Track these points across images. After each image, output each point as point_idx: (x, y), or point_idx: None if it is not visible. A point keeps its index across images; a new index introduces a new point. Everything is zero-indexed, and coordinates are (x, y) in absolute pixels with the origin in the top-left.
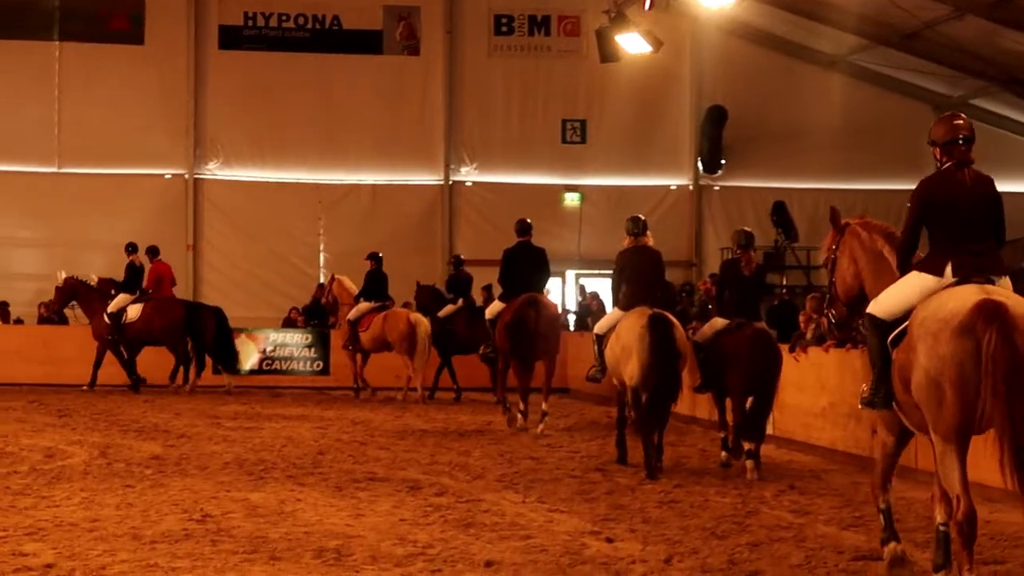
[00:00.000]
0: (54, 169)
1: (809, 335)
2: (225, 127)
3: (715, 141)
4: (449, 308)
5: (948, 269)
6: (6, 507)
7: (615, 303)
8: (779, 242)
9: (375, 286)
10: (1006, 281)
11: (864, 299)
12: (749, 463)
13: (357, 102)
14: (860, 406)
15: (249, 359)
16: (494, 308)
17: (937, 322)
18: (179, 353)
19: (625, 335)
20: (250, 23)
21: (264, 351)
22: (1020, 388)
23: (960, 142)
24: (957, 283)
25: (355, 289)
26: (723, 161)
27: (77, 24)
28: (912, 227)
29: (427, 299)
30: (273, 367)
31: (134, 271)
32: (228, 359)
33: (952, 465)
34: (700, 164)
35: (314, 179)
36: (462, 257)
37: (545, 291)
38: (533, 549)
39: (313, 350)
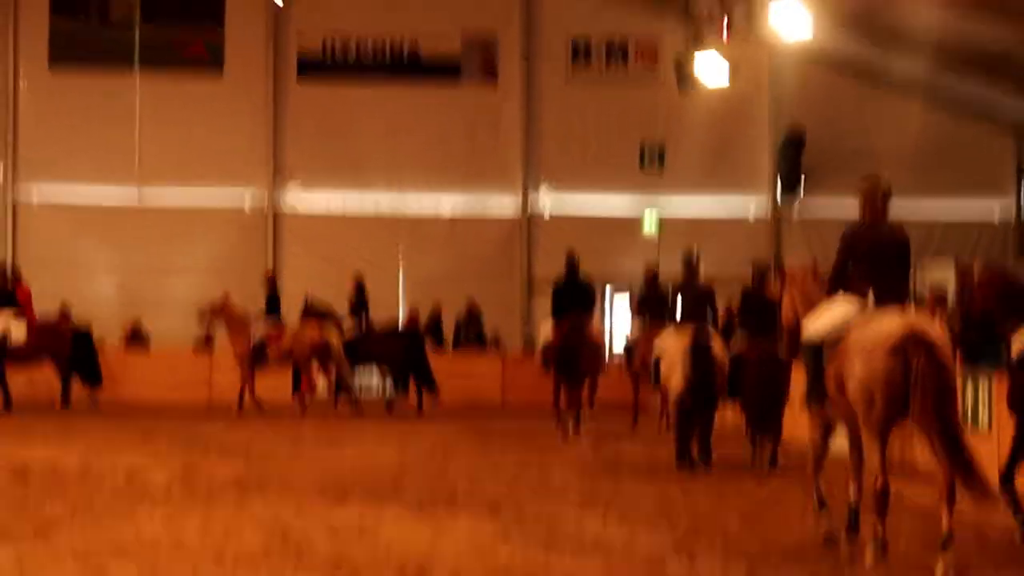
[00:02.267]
0: (135, 198)
1: None
2: (304, 156)
3: (794, 166)
4: (350, 324)
5: (870, 297)
6: (91, 524)
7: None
8: None
9: (275, 304)
10: (911, 307)
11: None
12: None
13: (435, 131)
14: (802, 405)
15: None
16: (545, 330)
17: (871, 342)
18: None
19: (670, 353)
20: (328, 52)
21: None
22: (944, 395)
23: (880, 196)
24: (873, 310)
25: (242, 310)
26: (802, 187)
27: (156, 54)
28: (840, 263)
29: (317, 317)
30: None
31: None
32: (92, 377)
33: (875, 450)
34: (779, 190)
35: (393, 208)
36: None
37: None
38: (614, 568)
39: None
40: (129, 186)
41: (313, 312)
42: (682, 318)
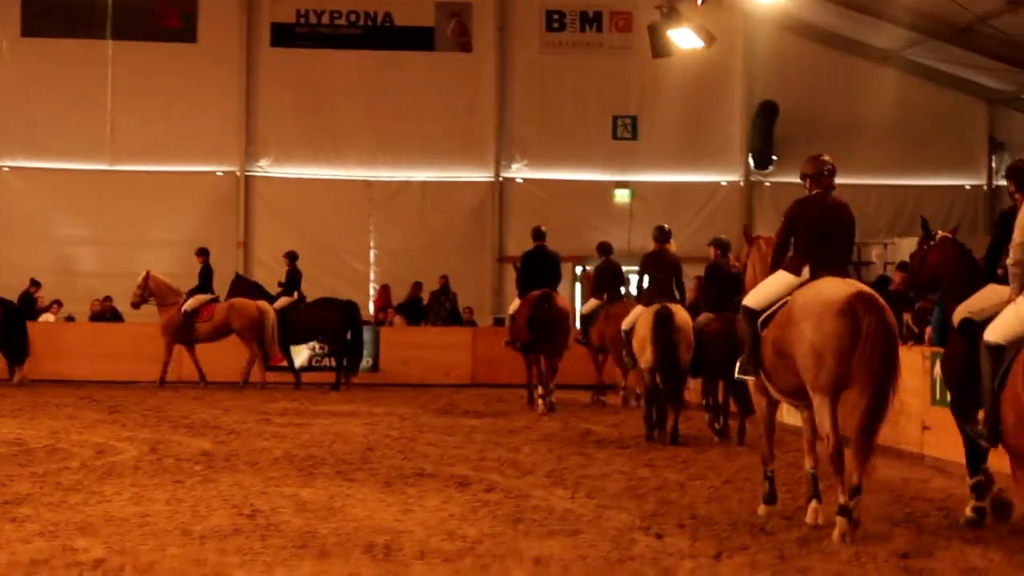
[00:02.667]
0: (106, 167)
1: None
2: (276, 124)
3: (766, 137)
4: (284, 300)
5: (805, 270)
6: (57, 503)
7: (638, 301)
8: None
9: (208, 279)
10: (850, 278)
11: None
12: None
13: (408, 99)
14: (736, 375)
15: (300, 356)
16: (513, 305)
17: (819, 305)
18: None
19: (641, 328)
20: (302, 20)
21: (314, 348)
22: (889, 356)
23: (825, 174)
24: (811, 279)
25: (170, 283)
26: (774, 157)
27: (130, 22)
28: (783, 238)
29: (246, 293)
30: (323, 364)
31: None
32: (18, 352)
33: (826, 412)
34: (751, 160)
35: (365, 176)
36: None
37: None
38: (582, 545)
39: (365, 347)
40: (102, 155)
41: (243, 288)
42: (650, 293)
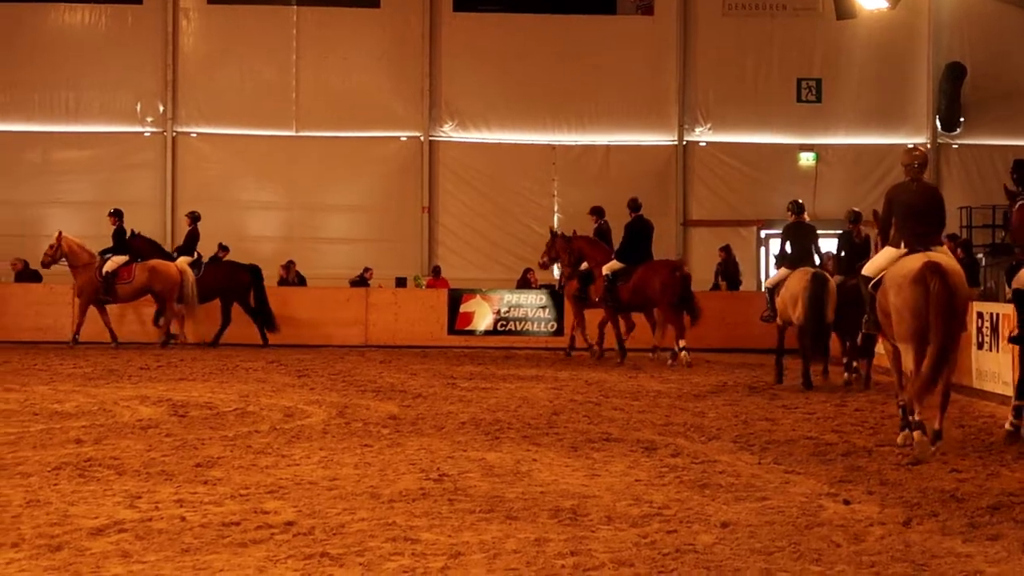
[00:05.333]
0: (291, 133)
1: None
2: (460, 89)
3: (953, 99)
4: (184, 260)
5: (903, 244)
6: (248, 465)
7: (779, 265)
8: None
9: (122, 240)
10: (944, 248)
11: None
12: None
13: (591, 62)
14: (863, 331)
15: (484, 320)
16: (610, 266)
17: (901, 276)
18: None
19: (793, 287)
20: None
21: (498, 312)
22: (950, 313)
23: (916, 165)
24: (908, 253)
25: (85, 245)
26: (961, 119)
27: None
28: (884, 218)
29: (146, 251)
30: (507, 328)
31: None
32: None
33: (910, 358)
34: (938, 122)
35: (548, 140)
36: None
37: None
38: (769, 510)
39: (547, 311)
40: (287, 121)
41: (141, 247)
42: (794, 258)
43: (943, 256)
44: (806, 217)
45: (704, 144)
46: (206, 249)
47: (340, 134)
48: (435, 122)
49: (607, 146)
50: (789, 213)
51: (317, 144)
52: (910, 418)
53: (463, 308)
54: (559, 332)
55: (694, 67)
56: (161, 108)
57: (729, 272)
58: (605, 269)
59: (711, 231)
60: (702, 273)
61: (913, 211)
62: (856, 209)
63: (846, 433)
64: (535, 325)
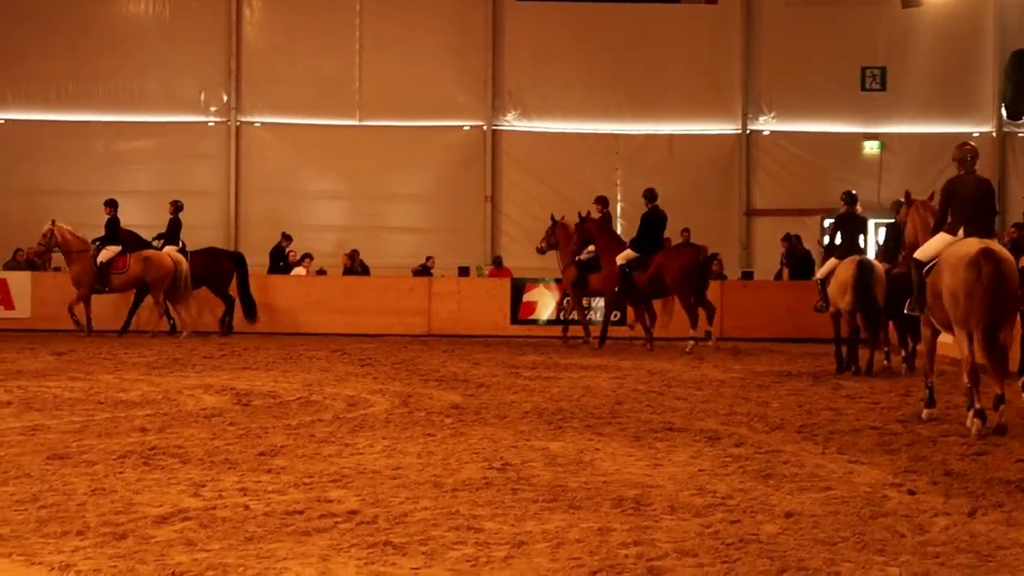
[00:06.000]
0: (354, 122)
1: None
2: (523, 78)
3: (1020, 87)
4: (170, 249)
5: (960, 232)
6: (311, 454)
7: (828, 255)
8: None
9: (116, 230)
10: (994, 239)
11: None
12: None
13: (654, 51)
14: (905, 311)
15: (546, 309)
16: (626, 256)
17: (957, 259)
18: None
19: (841, 276)
20: None
21: (562, 302)
22: (1001, 297)
23: (968, 159)
24: (961, 239)
25: (78, 234)
26: None
27: None
28: (943, 208)
29: (125, 241)
30: (571, 317)
31: None
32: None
33: (963, 339)
34: (1004, 110)
35: (611, 129)
36: None
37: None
38: (833, 500)
39: None
40: (350, 110)
41: (130, 240)
42: (843, 248)
43: (997, 244)
44: (858, 208)
45: (768, 133)
46: (274, 236)
47: (403, 123)
48: (498, 111)
49: (670, 135)
50: (842, 203)
51: (380, 133)
52: (976, 406)
53: (526, 297)
54: (621, 321)
55: (758, 55)
56: (225, 98)
57: (793, 261)
58: (620, 259)
59: (774, 220)
60: (766, 263)
61: (969, 202)
62: (902, 200)
63: (911, 423)
64: (598, 314)
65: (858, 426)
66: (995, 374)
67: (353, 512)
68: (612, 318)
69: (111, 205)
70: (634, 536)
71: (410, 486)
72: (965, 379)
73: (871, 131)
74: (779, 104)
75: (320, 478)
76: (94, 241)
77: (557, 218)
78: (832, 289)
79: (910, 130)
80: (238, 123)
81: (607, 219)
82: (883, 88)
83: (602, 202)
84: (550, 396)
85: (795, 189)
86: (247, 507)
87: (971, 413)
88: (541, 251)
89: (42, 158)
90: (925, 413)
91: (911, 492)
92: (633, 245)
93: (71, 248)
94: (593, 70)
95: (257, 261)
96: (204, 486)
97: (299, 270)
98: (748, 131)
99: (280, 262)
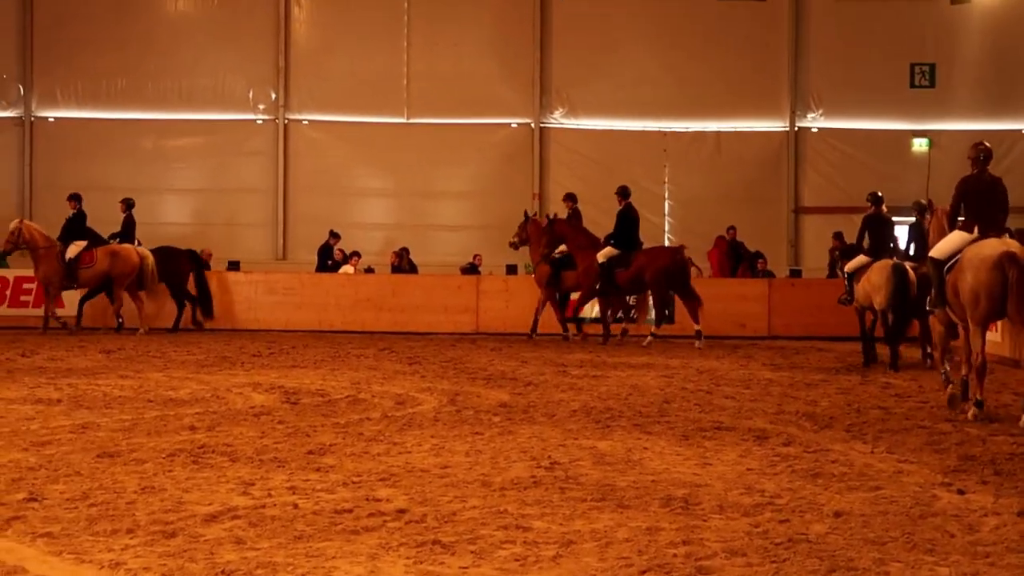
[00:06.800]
0: (402, 120)
1: None
2: (570, 75)
3: None
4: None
5: (976, 229)
6: (360, 453)
7: (856, 252)
8: None
9: (81, 224)
10: (1007, 237)
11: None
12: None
13: (701, 48)
14: (927, 308)
15: (594, 307)
16: (606, 253)
17: (980, 259)
18: None
19: (875, 278)
20: None
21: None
22: None
23: (982, 158)
24: (980, 237)
25: (45, 232)
26: None
27: None
28: (955, 206)
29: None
30: (618, 315)
31: None
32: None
33: (978, 337)
34: None
35: (659, 126)
36: None
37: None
38: (882, 500)
39: None
40: (398, 108)
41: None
42: (873, 247)
43: (1017, 245)
44: (884, 209)
45: (816, 130)
46: (321, 234)
47: (450, 121)
48: (545, 109)
49: (718, 132)
50: (868, 203)
51: (428, 131)
52: (973, 396)
53: (573, 295)
54: (670, 319)
55: (806, 52)
56: (273, 95)
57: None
58: (601, 256)
59: (823, 218)
60: (814, 260)
61: (983, 200)
62: (922, 201)
63: (960, 422)
64: (646, 312)
65: (907, 425)
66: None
67: (402, 511)
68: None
69: (75, 199)
70: (683, 535)
71: (458, 485)
72: (972, 373)
73: (920, 128)
74: (827, 101)
75: (369, 477)
76: (111, 238)
77: (530, 214)
78: (863, 287)
79: (959, 127)
80: (286, 121)
81: (576, 215)
82: (932, 85)
83: (571, 199)
84: (598, 395)
85: (844, 186)
86: (296, 506)
87: (971, 402)
88: (514, 246)
89: (91, 156)
90: (947, 393)
91: (961, 492)
92: (613, 242)
93: (38, 246)
94: (640, 67)
95: (305, 259)
96: (253, 485)
97: (347, 268)
98: (796, 128)
99: (328, 260)
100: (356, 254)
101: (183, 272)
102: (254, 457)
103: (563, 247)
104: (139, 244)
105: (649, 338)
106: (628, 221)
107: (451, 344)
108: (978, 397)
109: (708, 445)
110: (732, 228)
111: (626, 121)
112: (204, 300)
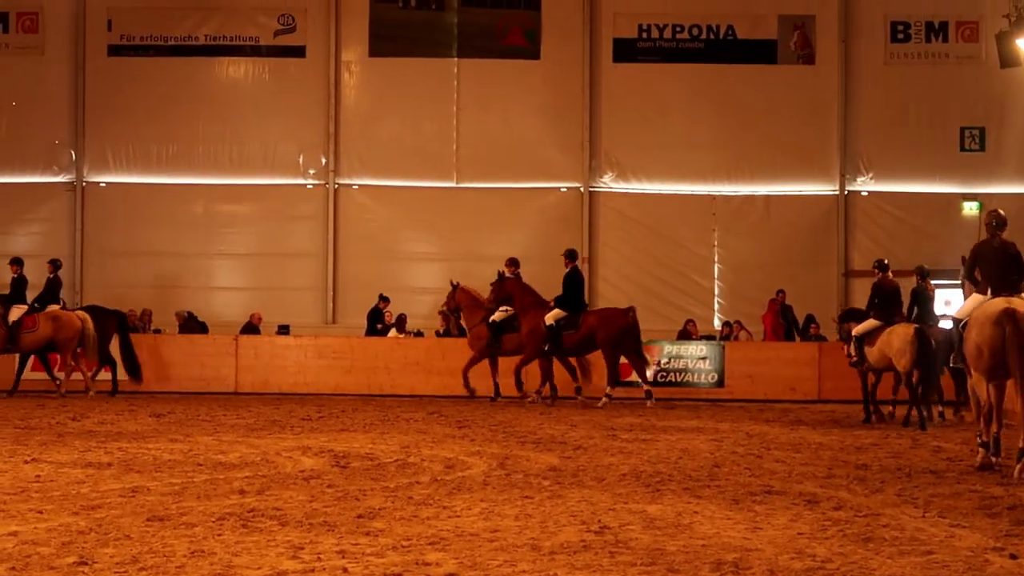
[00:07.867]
0: (452, 184)
1: None
2: (620, 139)
3: None
4: (52, 308)
5: (988, 292)
6: (409, 516)
7: (865, 316)
8: None
9: (22, 289)
10: (1017, 297)
11: None
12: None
13: (750, 112)
14: (950, 365)
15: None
16: (555, 315)
17: (984, 316)
18: None
19: (897, 342)
20: (644, 35)
21: (659, 363)
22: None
23: (994, 224)
24: (991, 298)
25: None
26: None
27: (475, 41)
28: (970, 269)
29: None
30: (668, 379)
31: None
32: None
33: (983, 387)
34: None
35: (708, 190)
36: None
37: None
38: (934, 564)
39: (708, 362)
40: (448, 172)
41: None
42: (887, 313)
43: (1020, 303)
44: (890, 275)
45: (866, 193)
46: (371, 299)
47: (500, 185)
48: (595, 172)
49: (767, 196)
50: (875, 270)
51: (477, 195)
52: (979, 438)
53: (623, 359)
54: (720, 383)
55: (855, 116)
56: (323, 160)
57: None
58: (549, 318)
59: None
60: None
61: (994, 264)
62: (924, 266)
63: (1011, 486)
64: (696, 376)
65: (958, 489)
66: (987, 420)
67: (451, 575)
68: (709, 380)
69: (17, 264)
70: None
71: (508, 549)
72: (980, 421)
73: (970, 191)
74: (877, 164)
75: (418, 540)
76: (35, 302)
77: (454, 283)
78: (879, 349)
79: (1010, 190)
80: (336, 185)
81: (519, 279)
82: (982, 148)
83: (513, 263)
84: (648, 458)
85: (893, 250)
86: (345, 570)
87: (979, 444)
88: (444, 315)
89: (142, 220)
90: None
91: (1013, 556)
92: (561, 304)
93: None
94: (690, 131)
95: (355, 323)
96: (303, 548)
97: (395, 331)
98: (846, 192)
99: (378, 324)
100: (403, 316)
101: (107, 332)
102: (304, 521)
103: (508, 308)
104: (64, 306)
105: (604, 399)
106: (575, 283)
107: (500, 407)
108: (983, 439)
109: (758, 509)
110: (782, 292)
111: (675, 185)
112: (130, 363)
